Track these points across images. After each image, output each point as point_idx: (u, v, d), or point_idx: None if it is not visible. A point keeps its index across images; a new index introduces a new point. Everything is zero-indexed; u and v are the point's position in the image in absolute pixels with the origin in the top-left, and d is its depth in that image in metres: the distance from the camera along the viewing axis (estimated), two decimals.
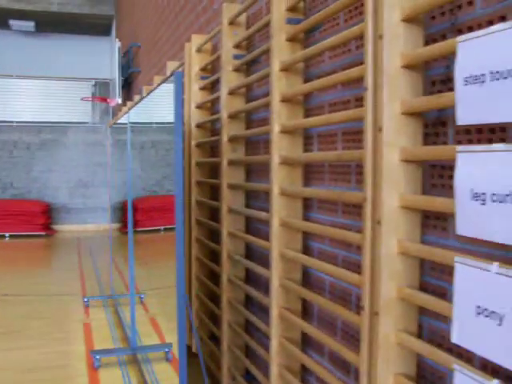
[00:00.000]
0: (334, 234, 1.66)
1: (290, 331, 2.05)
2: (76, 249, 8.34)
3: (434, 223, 1.39)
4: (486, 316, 1.06)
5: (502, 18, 1.19)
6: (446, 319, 1.37)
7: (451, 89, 1.31)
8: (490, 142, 1.22)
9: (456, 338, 1.14)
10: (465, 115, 1.11)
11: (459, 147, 1.13)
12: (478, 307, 1.08)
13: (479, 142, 1.25)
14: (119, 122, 4.80)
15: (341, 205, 1.82)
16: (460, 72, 1.11)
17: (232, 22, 2.63)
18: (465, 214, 1.11)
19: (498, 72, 1.02)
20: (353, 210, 1.76)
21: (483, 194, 1.06)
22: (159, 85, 3.32)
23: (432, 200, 1.26)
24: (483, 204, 1.06)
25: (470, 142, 1.28)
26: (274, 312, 2.04)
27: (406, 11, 1.28)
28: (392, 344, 1.32)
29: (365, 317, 1.39)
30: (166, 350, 3.49)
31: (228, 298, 2.70)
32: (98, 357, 3.41)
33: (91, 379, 3.25)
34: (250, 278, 2.72)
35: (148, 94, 3.16)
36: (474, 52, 1.08)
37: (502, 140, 1.19)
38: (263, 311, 2.50)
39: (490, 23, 1.21)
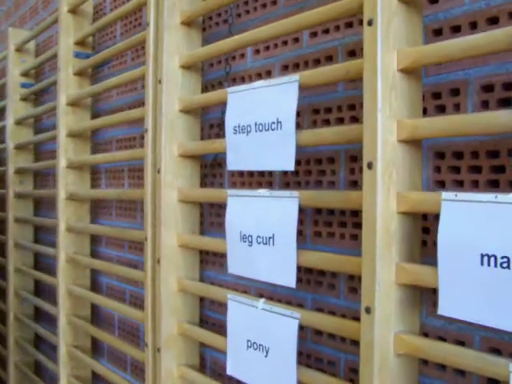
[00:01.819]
0: (120, 271, 1.66)
1: (79, 369, 1.99)
2: None
3: (213, 259, 1.46)
4: (255, 349, 1.14)
5: (268, 73, 1.30)
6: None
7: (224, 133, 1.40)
8: (260, 184, 1.32)
9: (230, 369, 1.21)
10: (234, 162, 1.20)
11: (229, 191, 1.21)
12: (248, 341, 1.16)
13: (250, 184, 1.35)
14: None
15: (127, 241, 1.83)
16: (229, 121, 1.20)
17: (19, 49, 2.52)
18: (235, 254, 1.19)
19: (261, 124, 1.12)
20: (138, 246, 1.77)
21: (250, 235, 1.15)
22: None
23: (207, 240, 1.33)
24: (250, 245, 1.15)
25: (243, 184, 1.37)
26: (62, 350, 1.97)
27: (184, 58, 1.34)
28: (175, 378, 1.36)
29: (148, 353, 1.40)
30: None
31: (15, 337, 2.55)
32: None
33: None
34: (40, 315, 2.59)
35: None
36: (242, 103, 1.17)
37: (269, 184, 1.30)
38: (53, 350, 2.39)
39: (259, 76, 1.32)
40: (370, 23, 0.88)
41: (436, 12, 0.97)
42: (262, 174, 1.32)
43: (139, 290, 1.77)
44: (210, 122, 1.46)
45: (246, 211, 1.16)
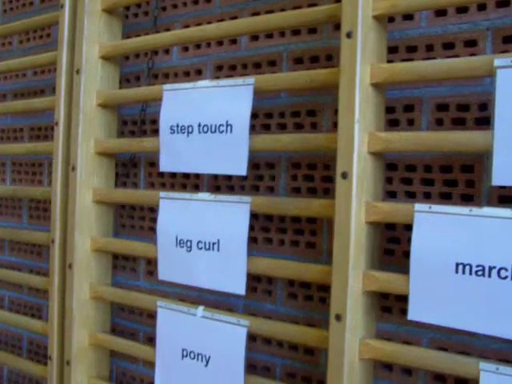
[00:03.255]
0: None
1: None
2: None
3: (124, 264, 1.38)
4: (192, 358, 1.10)
5: (199, 72, 1.26)
6: (136, 360, 1.37)
7: (144, 131, 1.33)
8: (184, 187, 1.28)
9: (159, 381, 1.15)
10: (169, 163, 1.14)
11: (162, 193, 1.15)
12: (184, 350, 1.11)
13: (173, 186, 1.30)
14: None
15: (8, 242, 1.66)
16: (165, 120, 1.14)
17: None
18: (169, 259, 1.14)
19: (206, 125, 1.08)
20: (29, 249, 1.61)
21: (189, 240, 1.10)
22: None
23: (126, 243, 1.25)
24: (189, 251, 1.10)
25: (163, 185, 1.31)
26: None
27: (105, 49, 1.25)
28: None
29: (53, 367, 1.28)
30: None
31: None
32: None
33: None
34: None
35: None
36: (181, 102, 1.12)
37: (196, 186, 1.26)
38: None
39: (187, 74, 1.28)
40: (348, 35, 0.90)
41: (392, 31, 1.01)
42: (186, 176, 1.28)
43: (23, 296, 1.61)
44: (123, 118, 1.38)
45: (184, 215, 1.12)
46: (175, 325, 1.13)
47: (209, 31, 1.11)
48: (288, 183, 1.14)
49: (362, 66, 0.89)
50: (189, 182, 1.27)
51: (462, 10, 0.95)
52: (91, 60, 1.24)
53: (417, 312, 0.87)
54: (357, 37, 0.89)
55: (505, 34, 0.91)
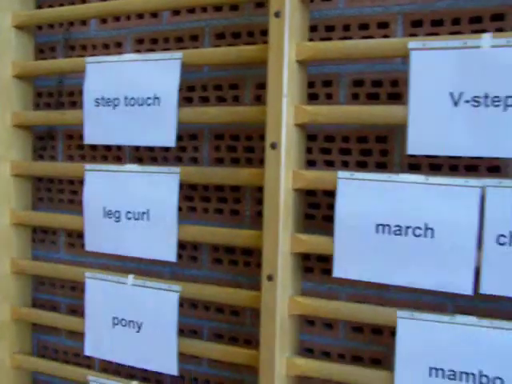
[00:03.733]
0: None
1: None
2: None
3: (43, 237, 1.37)
4: (124, 325, 1.13)
5: (119, 44, 1.27)
6: (59, 333, 1.37)
7: (61, 103, 1.32)
8: (106, 158, 1.29)
9: (90, 350, 1.18)
10: (94, 135, 1.15)
11: (87, 166, 1.16)
12: (115, 318, 1.14)
13: (94, 158, 1.30)
14: None
15: None
16: (89, 92, 1.14)
17: None
18: (96, 230, 1.16)
19: (133, 98, 1.10)
20: None
21: (118, 211, 1.13)
22: None
23: (45, 216, 1.25)
24: (118, 221, 1.13)
25: (83, 157, 1.31)
26: None
27: (19, 18, 1.22)
28: (8, 368, 1.25)
29: None
30: None
31: None
32: None
33: None
34: None
35: None
36: (106, 75, 1.13)
37: (118, 158, 1.28)
38: None
39: (106, 47, 1.28)
40: (277, 15, 0.95)
41: (312, 11, 1.08)
42: (107, 148, 1.29)
43: None
44: (38, 90, 1.35)
45: (111, 187, 1.14)
46: (105, 294, 1.15)
47: (129, 5, 1.13)
48: (211, 154, 1.19)
49: (289, 44, 0.96)
50: (110, 154, 1.29)
51: None
52: (4, 29, 1.21)
53: (341, 270, 0.96)
54: (284, 16, 0.95)
55: (413, 18, 1.01)
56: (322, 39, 1.08)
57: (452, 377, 0.90)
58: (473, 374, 0.89)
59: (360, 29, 1.06)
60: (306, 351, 1.12)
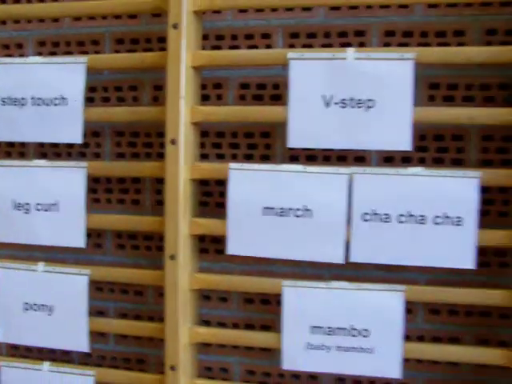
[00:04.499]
0: None
1: None
2: None
3: None
4: (36, 310, 1.22)
5: (20, 46, 1.33)
6: None
7: None
8: (9, 154, 1.35)
9: (1, 336, 1.25)
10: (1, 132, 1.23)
11: None
12: (26, 303, 1.22)
13: (9, 154, 1.36)
14: None
15: None
16: None
17: None
18: (5, 222, 1.23)
19: (40, 99, 1.19)
20: None
21: (27, 204, 1.21)
22: None
23: None
24: (27, 213, 1.21)
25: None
26: None
27: None
28: None
29: None
30: None
31: None
32: None
33: None
34: None
35: None
36: (11, 76, 1.21)
37: (21, 154, 1.35)
38: None
39: (7, 47, 1.34)
40: (175, 27, 1.09)
41: (204, 21, 1.22)
42: (11, 144, 1.35)
43: None
44: None
45: (20, 181, 1.21)
46: (16, 282, 1.23)
47: (31, 11, 1.22)
48: (113, 149, 1.30)
49: (186, 53, 1.09)
50: (13, 150, 1.35)
51: (259, 10, 1.20)
52: None
53: (233, 247, 1.12)
54: (181, 28, 1.09)
55: (292, 31, 1.19)
56: (213, 47, 1.22)
57: (330, 332, 1.09)
58: (346, 329, 1.08)
59: (246, 38, 1.21)
60: (205, 323, 1.27)
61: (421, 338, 1.20)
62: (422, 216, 1.04)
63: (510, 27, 1.12)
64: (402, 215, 1.04)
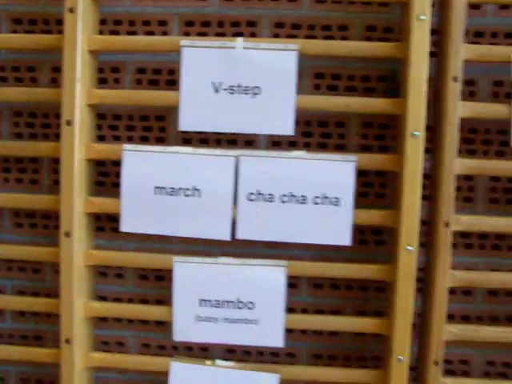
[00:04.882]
0: None
1: None
2: None
3: None
4: None
5: None
6: None
7: None
8: None
9: None
10: None
11: None
12: None
13: None
14: None
15: None
16: None
17: None
18: None
19: None
20: None
21: None
22: None
23: None
24: None
25: None
26: None
27: None
28: None
29: None
30: None
31: None
32: None
33: None
34: None
35: None
36: None
37: None
38: None
39: None
40: (71, 10, 1.12)
41: (102, 6, 1.25)
42: None
43: None
44: None
45: None
46: None
47: None
48: (11, 129, 1.31)
49: (82, 37, 1.12)
50: None
51: None
52: None
53: (127, 225, 1.16)
54: (77, 12, 1.12)
55: (187, 19, 1.24)
56: (111, 31, 1.26)
57: (217, 305, 1.16)
58: (232, 302, 1.16)
59: (143, 25, 1.26)
60: (101, 299, 1.31)
61: (305, 311, 1.30)
62: (303, 196, 1.13)
63: (389, 25, 1.23)
64: (284, 195, 1.13)
